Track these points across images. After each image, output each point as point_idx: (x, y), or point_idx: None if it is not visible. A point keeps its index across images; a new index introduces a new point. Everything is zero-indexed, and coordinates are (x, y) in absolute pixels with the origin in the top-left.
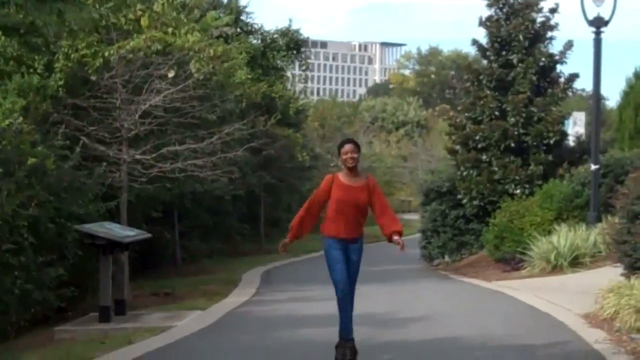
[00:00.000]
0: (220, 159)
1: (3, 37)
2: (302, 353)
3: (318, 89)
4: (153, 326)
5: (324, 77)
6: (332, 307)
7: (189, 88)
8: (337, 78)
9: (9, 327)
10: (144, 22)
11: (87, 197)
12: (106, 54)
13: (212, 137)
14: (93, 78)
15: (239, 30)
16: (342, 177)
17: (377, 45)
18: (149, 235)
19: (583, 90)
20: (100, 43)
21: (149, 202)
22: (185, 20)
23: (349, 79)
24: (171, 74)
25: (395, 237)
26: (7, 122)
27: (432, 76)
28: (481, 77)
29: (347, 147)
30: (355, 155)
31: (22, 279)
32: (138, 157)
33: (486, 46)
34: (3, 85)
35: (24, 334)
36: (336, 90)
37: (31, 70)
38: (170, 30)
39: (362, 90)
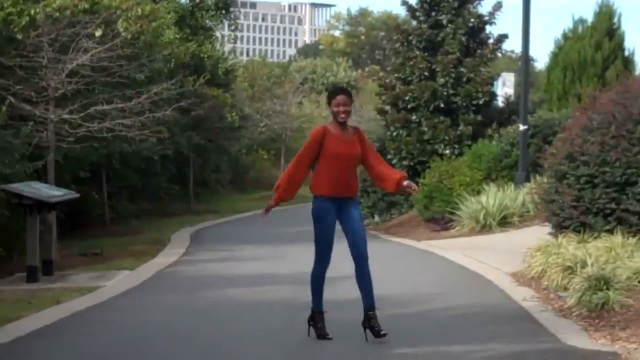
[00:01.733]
0: (149, 119)
1: None
2: (231, 312)
3: (247, 50)
4: (81, 286)
5: (254, 38)
6: (262, 266)
7: (117, 47)
8: (266, 39)
9: None
10: None
11: (13, 157)
12: (32, 12)
13: (140, 96)
14: (19, 36)
15: None
16: (333, 129)
17: (307, 6)
18: (77, 195)
19: (512, 51)
20: (26, 1)
21: (77, 162)
22: None
23: (278, 40)
24: (98, 33)
25: (407, 182)
26: None
27: (362, 37)
28: (411, 38)
29: (340, 98)
30: (349, 109)
31: None
32: (65, 116)
33: (415, 7)
34: None
35: None
36: (266, 51)
37: None
38: None
39: (292, 51)
